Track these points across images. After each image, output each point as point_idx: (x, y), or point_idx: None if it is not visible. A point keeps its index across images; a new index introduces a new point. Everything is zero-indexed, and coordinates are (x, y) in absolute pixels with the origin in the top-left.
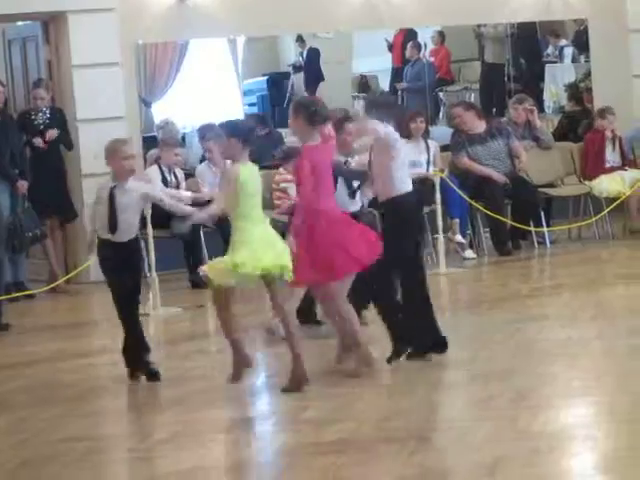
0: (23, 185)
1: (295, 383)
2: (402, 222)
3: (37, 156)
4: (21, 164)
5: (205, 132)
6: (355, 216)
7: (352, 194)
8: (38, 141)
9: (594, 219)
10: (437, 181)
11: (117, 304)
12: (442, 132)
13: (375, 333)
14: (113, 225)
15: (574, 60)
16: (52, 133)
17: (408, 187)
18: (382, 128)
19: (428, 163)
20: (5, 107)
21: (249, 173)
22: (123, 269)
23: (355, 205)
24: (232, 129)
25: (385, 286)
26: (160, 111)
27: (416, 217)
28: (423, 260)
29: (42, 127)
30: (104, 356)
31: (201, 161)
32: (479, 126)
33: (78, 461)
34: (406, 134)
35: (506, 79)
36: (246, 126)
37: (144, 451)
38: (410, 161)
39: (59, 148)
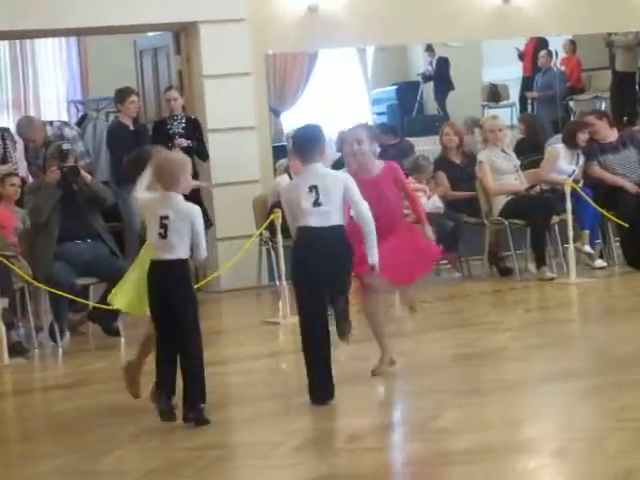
0: None
1: None
2: None
3: None
4: None
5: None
6: None
7: None
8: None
9: None
10: (567, 190)
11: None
12: None
13: None
14: None
15: None
16: (181, 141)
17: None
18: None
19: (573, 172)
20: (138, 117)
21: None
22: None
23: None
24: None
25: None
26: (290, 121)
27: None
28: None
29: (177, 137)
30: (234, 364)
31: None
32: (611, 135)
33: (208, 468)
34: (573, 144)
35: (638, 87)
36: None
37: (276, 458)
38: (559, 168)
39: (193, 158)
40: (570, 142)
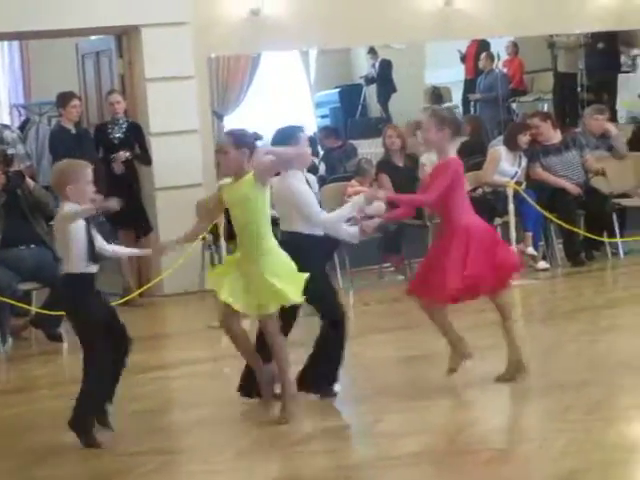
0: (97, 199)
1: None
2: None
3: (111, 170)
4: (95, 177)
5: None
6: None
7: None
8: (119, 167)
9: None
10: (510, 192)
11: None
12: None
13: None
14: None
15: None
16: (120, 156)
17: None
18: None
19: (515, 174)
20: (80, 121)
21: None
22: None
23: None
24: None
25: None
26: (232, 124)
27: None
28: None
29: (117, 142)
30: (178, 369)
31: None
32: (554, 137)
33: (152, 475)
34: (514, 146)
35: (579, 89)
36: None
37: (221, 463)
38: (501, 170)
39: (133, 161)
40: (511, 144)
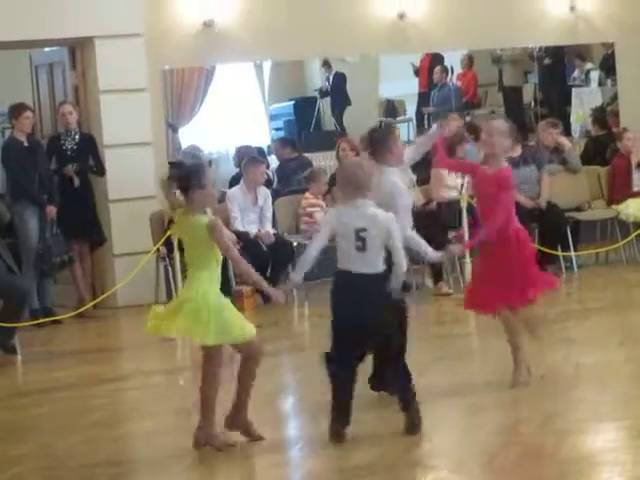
0: (52, 210)
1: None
2: None
3: (66, 181)
4: (50, 189)
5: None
6: None
7: None
8: (76, 182)
9: (621, 243)
10: (464, 205)
11: None
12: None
13: None
14: None
15: (601, 84)
16: (69, 169)
17: None
18: None
19: (462, 187)
20: (33, 132)
21: None
22: None
23: None
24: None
25: None
26: (187, 136)
27: None
28: None
29: (70, 153)
30: (132, 381)
31: (231, 185)
32: (515, 151)
33: None
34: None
35: (532, 103)
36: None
37: (174, 475)
38: (446, 185)
39: (87, 173)
40: (450, 156)
